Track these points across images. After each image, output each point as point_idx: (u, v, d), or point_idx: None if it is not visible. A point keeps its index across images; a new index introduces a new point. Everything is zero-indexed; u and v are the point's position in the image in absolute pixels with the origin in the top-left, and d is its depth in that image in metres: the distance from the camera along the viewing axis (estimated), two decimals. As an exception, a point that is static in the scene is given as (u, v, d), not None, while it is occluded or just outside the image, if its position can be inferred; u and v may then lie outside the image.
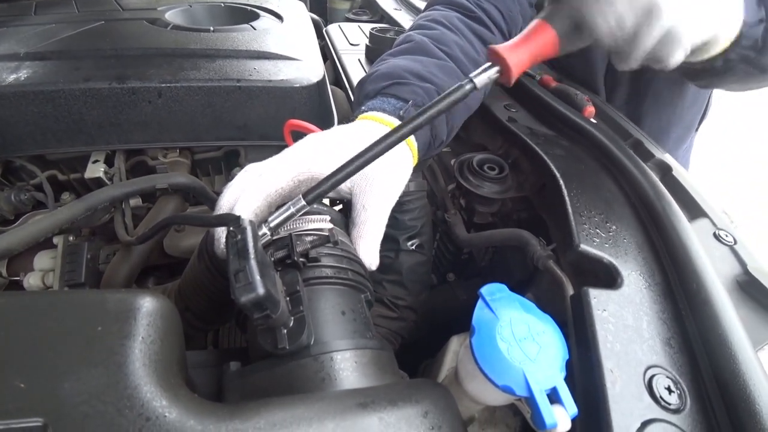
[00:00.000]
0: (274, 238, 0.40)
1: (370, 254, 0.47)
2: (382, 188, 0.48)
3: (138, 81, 0.67)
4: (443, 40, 0.65)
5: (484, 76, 0.42)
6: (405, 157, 0.52)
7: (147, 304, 0.30)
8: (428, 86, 0.57)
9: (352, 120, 0.56)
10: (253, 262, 0.28)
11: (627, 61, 0.44)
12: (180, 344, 0.33)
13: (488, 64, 0.43)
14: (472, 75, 0.42)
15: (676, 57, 0.44)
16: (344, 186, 0.46)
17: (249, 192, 0.42)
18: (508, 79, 0.42)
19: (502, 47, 0.42)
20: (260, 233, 0.39)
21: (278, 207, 0.41)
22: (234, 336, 0.75)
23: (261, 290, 0.27)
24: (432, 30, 0.67)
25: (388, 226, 0.61)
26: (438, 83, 0.58)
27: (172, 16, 0.96)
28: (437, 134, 0.59)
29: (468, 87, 0.41)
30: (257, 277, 0.28)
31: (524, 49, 0.42)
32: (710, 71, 0.50)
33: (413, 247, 0.63)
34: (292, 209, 0.40)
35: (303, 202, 0.40)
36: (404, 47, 0.65)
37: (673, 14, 0.41)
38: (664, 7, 0.40)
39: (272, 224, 0.39)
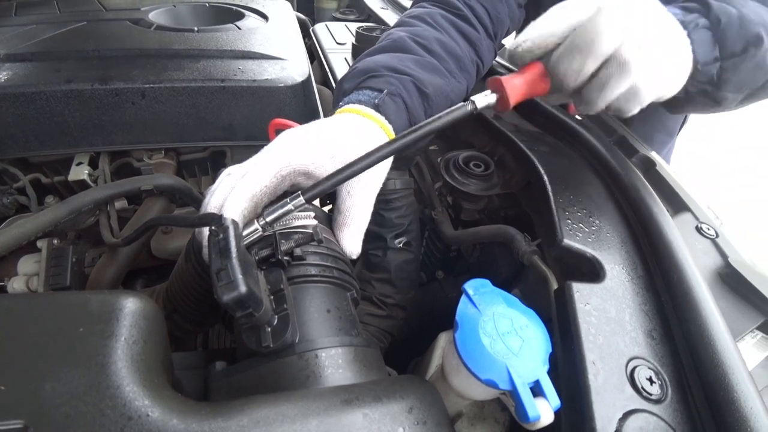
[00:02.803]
0: (262, 235, 0.40)
1: (353, 242, 0.47)
2: (367, 176, 0.48)
3: (121, 82, 0.67)
4: (423, 36, 0.65)
5: (484, 100, 0.46)
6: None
7: (130, 305, 0.30)
8: (403, 77, 0.58)
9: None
10: (234, 261, 0.28)
11: (590, 108, 0.49)
12: (164, 345, 0.32)
13: (488, 91, 0.47)
14: (473, 97, 0.45)
15: (634, 111, 0.49)
16: None
17: (235, 194, 0.41)
18: (505, 105, 0.46)
19: (501, 77, 0.46)
20: (252, 228, 0.39)
21: (273, 202, 0.42)
22: (224, 338, 0.75)
23: (243, 288, 0.27)
24: (413, 27, 0.68)
25: (375, 224, 0.62)
26: (414, 75, 0.58)
27: (155, 16, 0.95)
28: (416, 123, 0.58)
29: (469, 107, 0.45)
30: (239, 276, 0.28)
31: (519, 81, 0.46)
32: (673, 101, 0.55)
33: (401, 245, 0.63)
34: (290, 205, 0.40)
35: (301, 199, 0.40)
36: (382, 45, 0.65)
37: (640, 72, 0.45)
38: (633, 65, 0.44)
39: (268, 219, 0.40)
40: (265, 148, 0.47)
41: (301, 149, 0.45)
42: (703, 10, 0.53)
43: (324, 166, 0.45)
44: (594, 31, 0.43)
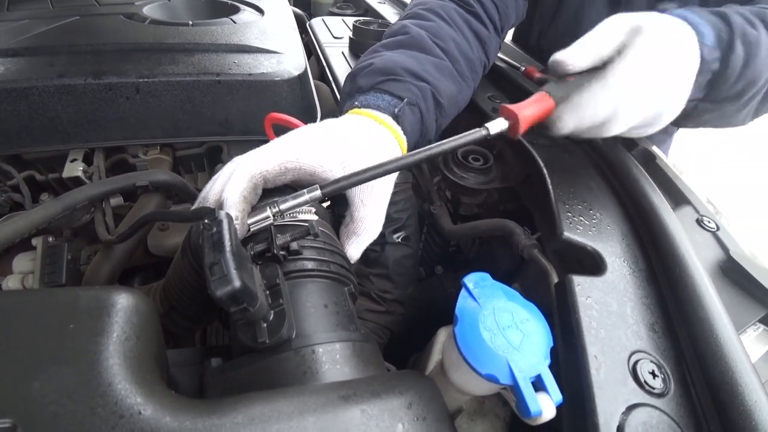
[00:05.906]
0: (272, 223, 0.40)
1: (359, 250, 0.47)
2: (381, 184, 0.47)
3: (115, 76, 0.66)
4: (440, 35, 0.64)
5: (497, 127, 0.49)
6: (396, 154, 0.51)
7: (122, 301, 0.29)
8: (423, 85, 0.57)
9: (344, 112, 0.55)
10: (228, 255, 0.28)
11: (561, 132, 0.52)
12: (158, 341, 0.32)
13: (500, 119, 0.50)
14: (487, 124, 0.49)
15: (608, 135, 0.52)
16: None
17: (236, 174, 0.41)
18: (516, 131, 0.50)
19: (514, 106, 0.50)
20: (263, 215, 0.39)
21: (285, 192, 0.42)
22: (222, 334, 0.75)
23: (237, 283, 0.27)
24: (429, 21, 0.66)
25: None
26: (433, 83, 0.58)
27: (150, 10, 0.94)
28: (426, 133, 0.59)
29: (483, 133, 0.48)
30: (233, 270, 0.27)
31: (530, 111, 0.50)
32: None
33: (399, 240, 0.62)
34: (307, 196, 0.40)
35: (319, 192, 0.40)
36: (399, 39, 0.64)
37: (629, 124, 0.50)
38: (621, 126, 0.50)
39: (282, 206, 0.39)
40: (277, 139, 0.47)
41: (313, 149, 0.44)
42: (725, 51, 0.52)
43: (332, 171, 0.45)
44: (593, 102, 0.48)
